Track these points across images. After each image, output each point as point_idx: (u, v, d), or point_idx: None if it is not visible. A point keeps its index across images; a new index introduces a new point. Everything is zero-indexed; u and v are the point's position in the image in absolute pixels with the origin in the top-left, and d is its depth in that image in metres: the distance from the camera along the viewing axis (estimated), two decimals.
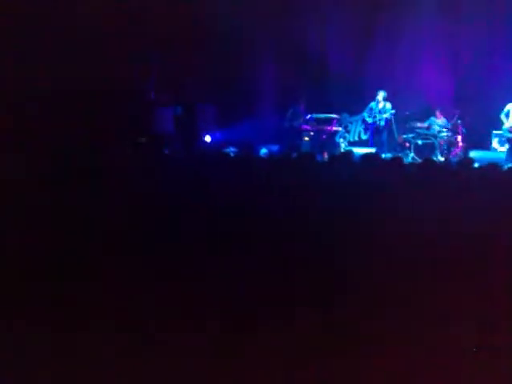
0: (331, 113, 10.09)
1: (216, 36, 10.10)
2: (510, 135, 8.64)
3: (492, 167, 4.76)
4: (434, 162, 6.00)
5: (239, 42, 10.37)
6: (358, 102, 10.20)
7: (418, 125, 9.25)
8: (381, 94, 9.45)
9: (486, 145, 9.57)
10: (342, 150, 9.34)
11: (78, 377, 2.03)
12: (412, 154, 9.14)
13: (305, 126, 9.91)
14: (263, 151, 8.94)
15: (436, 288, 2.56)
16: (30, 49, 7.91)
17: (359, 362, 2.21)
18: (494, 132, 9.41)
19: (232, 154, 6.68)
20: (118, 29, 8.79)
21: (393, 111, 9.34)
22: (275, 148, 9.56)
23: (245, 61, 10.70)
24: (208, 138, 10.30)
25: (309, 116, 9.93)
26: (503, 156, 8.78)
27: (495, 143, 9.53)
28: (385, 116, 9.41)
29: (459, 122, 9.11)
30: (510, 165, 7.50)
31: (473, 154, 8.76)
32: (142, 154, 5.65)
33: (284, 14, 10.75)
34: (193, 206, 3.40)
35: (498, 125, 9.12)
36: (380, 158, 5.52)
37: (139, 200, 3.34)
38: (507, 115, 8.71)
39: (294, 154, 6.25)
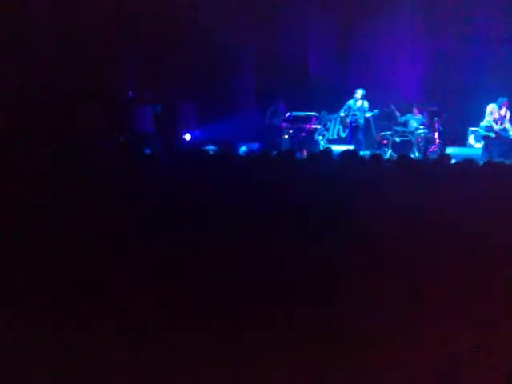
0: (310, 111, 10.14)
1: (196, 34, 10.07)
2: (485, 133, 8.82)
3: (468, 163, 4.85)
4: (410, 158, 6.10)
5: (219, 40, 10.36)
6: (336, 99, 10.27)
7: (397, 113, 9.33)
8: (359, 92, 9.55)
9: (462, 141, 9.74)
10: (321, 148, 9.40)
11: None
12: (390, 151, 9.25)
13: (284, 124, 9.95)
14: (243, 149, 8.95)
15: (424, 284, 2.58)
16: (5, 49, 7.77)
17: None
18: (470, 129, 9.58)
19: (212, 152, 6.67)
20: (96, 28, 8.70)
21: (376, 111, 9.44)
22: (255, 146, 9.59)
23: (225, 59, 10.69)
24: (188, 137, 10.26)
25: (288, 114, 9.97)
26: (479, 152, 8.95)
27: (471, 140, 9.71)
28: (367, 115, 9.51)
29: (436, 118, 9.25)
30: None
31: (449, 150, 8.92)
32: (122, 153, 5.60)
33: (263, 14, 10.79)
34: (174, 205, 3.39)
35: (474, 121, 9.30)
36: (358, 155, 5.59)
37: (120, 200, 3.32)
38: (489, 115, 8.88)
39: (274, 152, 6.27)
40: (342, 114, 9.76)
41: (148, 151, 6.30)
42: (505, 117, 8.69)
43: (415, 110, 9.52)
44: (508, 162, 8.02)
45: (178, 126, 10.12)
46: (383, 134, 9.56)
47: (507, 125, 8.68)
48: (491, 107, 8.76)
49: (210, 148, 8.53)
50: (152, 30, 9.83)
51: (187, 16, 9.81)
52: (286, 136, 9.93)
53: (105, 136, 7.85)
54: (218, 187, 3.75)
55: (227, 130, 9.89)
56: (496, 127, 8.70)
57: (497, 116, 8.73)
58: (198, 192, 3.61)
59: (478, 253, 2.81)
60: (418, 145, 9.22)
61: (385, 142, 9.45)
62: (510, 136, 8.62)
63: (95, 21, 8.56)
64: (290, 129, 9.93)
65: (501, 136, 8.68)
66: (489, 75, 9.66)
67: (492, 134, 8.71)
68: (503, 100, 8.68)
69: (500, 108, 8.71)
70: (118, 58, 9.41)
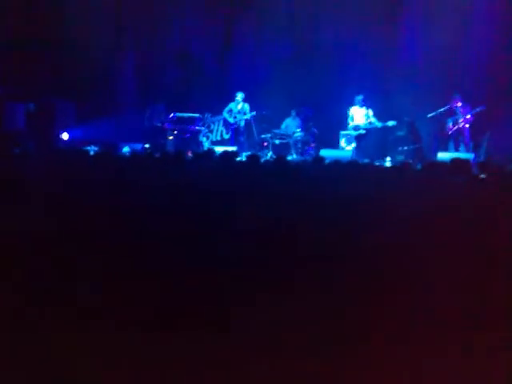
0: (194, 112, 10.23)
1: (74, 29, 9.67)
2: (356, 132, 9.75)
3: (336, 163, 5.35)
4: (285, 159, 6.49)
5: (98, 37, 10.04)
6: (220, 102, 10.46)
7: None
8: (239, 95, 9.84)
9: (335, 144, 10.47)
10: (205, 149, 9.54)
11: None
12: (270, 153, 9.69)
13: (168, 125, 9.92)
14: (125, 149, 8.76)
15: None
16: None
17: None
18: (342, 132, 10.33)
19: (92, 152, 6.47)
20: None
21: (253, 113, 9.78)
22: (138, 147, 9.43)
23: (105, 57, 10.38)
24: (65, 136, 9.78)
25: (172, 115, 9.96)
26: (349, 154, 9.71)
27: (343, 142, 10.46)
28: (245, 117, 9.82)
29: (311, 122, 9.90)
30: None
31: (323, 152, 9.56)
32: None
33: (146, 13, 10.67)
34: (47, 207, 3.27)
35: (345, 125, 10.09)
36: (236, 155, 5.84)
37: None
38: (352, 118, 9.77)
39: (158, 153, 6.26)
40: (231, 121, 9.96)
41: (17, 151, 5.93)
42: (367, 114, 9.61)
43: (293, 114, 10.09)
44: (375, 162, 8.91)
45: (53, 124, 9.61)
46: (264, 136, 9.97)
47: (372, 119, 9.61)
48: (353, 110, 9.67)
49: (92, 148, 8.25)
50: (22, 23, 9.23)
51: (62, 12, 9.36)
52: (171, 137, 9.91)
53: None
54: (98, 188, 3.68)
55: (110, 130, 9.63)
56: (362, 125, 9.63)
57: (359, 116, 9.63)
58: (75, 193, 3.52)
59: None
60: (295, 147, 9.79)
61: (265, 144, 9.87)
62: (377, 126, 9.53)
63: None
64: (174, 130, 9.93)
65: (371, 131, 9.55)
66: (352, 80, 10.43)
67: (362, 131, 9.62)
68: (359, 98, 9.58)
69: (361, 107, 9.63)
70: None
